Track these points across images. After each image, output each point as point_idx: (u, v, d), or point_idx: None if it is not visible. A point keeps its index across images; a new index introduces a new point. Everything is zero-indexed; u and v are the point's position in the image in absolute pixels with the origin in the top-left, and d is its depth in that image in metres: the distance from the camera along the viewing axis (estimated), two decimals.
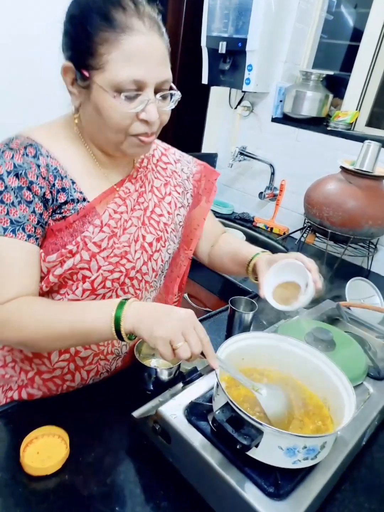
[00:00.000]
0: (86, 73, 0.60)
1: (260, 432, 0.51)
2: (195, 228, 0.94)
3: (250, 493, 0.52)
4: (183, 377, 0.73)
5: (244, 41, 1.66)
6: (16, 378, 0.77)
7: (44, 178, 0.65)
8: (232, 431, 0.51)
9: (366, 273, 1.54)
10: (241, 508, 0.53)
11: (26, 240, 0.64)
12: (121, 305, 0.60)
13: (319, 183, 1.47)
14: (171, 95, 0.66)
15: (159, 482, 0.63)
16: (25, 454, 0.62)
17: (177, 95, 0.67)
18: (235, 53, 1.72)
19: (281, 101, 1.81)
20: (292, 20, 1.70)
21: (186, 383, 0.72)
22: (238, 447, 0.50)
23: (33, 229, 0.64)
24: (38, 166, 0.64)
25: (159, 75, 0.61)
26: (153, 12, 0.61)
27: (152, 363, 0.84)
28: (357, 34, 1.80)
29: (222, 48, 1.71)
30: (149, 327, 0.58)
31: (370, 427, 0.70)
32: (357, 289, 1.26)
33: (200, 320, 1.10)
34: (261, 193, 1.83)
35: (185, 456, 0.61)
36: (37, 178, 0.64)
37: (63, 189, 0.67)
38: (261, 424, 0.51)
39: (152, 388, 0.78)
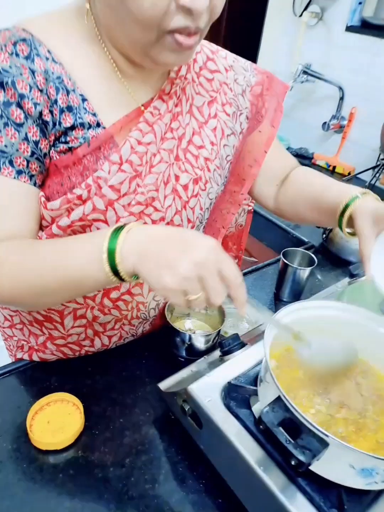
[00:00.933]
0: None
1: (324, 444, 0.37)
2: (251, 165, 0.68)
3: None
4: (221, 345, 0.60)
5: None
6: (26, 341, 0.66)
7: (41, 90, 0.47)
8: (286, 441, 0.37)
9: None
10: None
11: (15, 177, 0.48)
12: (115, 234, 0.43)
13: None
14: None
15: (187, 469, 0.53)
16: (34, 423, 0.53)
17: None
18: None
19: (360, 3, 1.44)
20: None
21: (225, 353, 0.59)
22: (293, 463, 0.36)
23: (25, 163, 0.48)
24: (33, 72, 0.46)
25: None
26: None
27: (187, 324, 0.71)
28: None
29: None
30: (154, 271, 0.41)
31: None
32: None
33: (250, 272, 0.95)
34: (325, 123, 1.53)
35: (219, 448, 0.49)
36: (30, 90, 0.46)
37: (69, 108, 0.49)
38: (327, 434, 0.36)
39: (185, 354, 0.66)
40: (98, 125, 0.51)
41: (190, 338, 0.64)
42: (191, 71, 0.59)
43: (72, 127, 0.50)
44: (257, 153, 0.67)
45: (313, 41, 1.58)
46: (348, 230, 0.60)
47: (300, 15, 1.58)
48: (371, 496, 0.41)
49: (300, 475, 0.42)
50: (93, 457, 0.52)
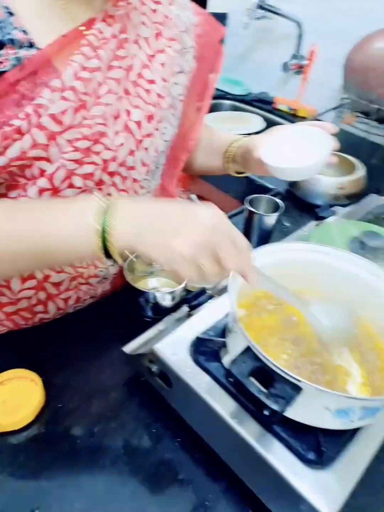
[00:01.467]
0: None
1: (297, 389, 0.35)
2: (198, 109, 0.69)
3: (280, 459, 0.38)
4: (188, 301, 0.56)
5: None
6: None
7: None
8: (258, 392, 0.34)
9: None
10: (268, 478, 0.39)
11: None
12: (105, 214, 0.39)
13: (365, 40, 1.11)
14: None
15: (161, 429, 0.50)
16: None
17: None
18: None
19: None
20: None
21: (193, 308, 0.56)
22: (266, 413, 0.34)
23: None
24: None
25: None
26: None
27: (150, 283, 0.67)
28: None
29: None
30: (160, 243, 0.37)
31: None
32: None
33: None
34: (285, 63, 1.45)
35: (191, 405, 0.46)
36: None
37: None
38: (299, 380, 0.34)
39: (151, 314, 0.62)
40: (31, 45, 0.45)
41: (155, 297, 0.60)
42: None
43: (1, 44, 0.42)
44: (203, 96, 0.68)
45: None
46: (234, 169, 0.72)
47: None
48: (347, 435, 0.40)
49: (275, 423, 0.40)
50: (58, 431, 0.49)
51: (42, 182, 0.49)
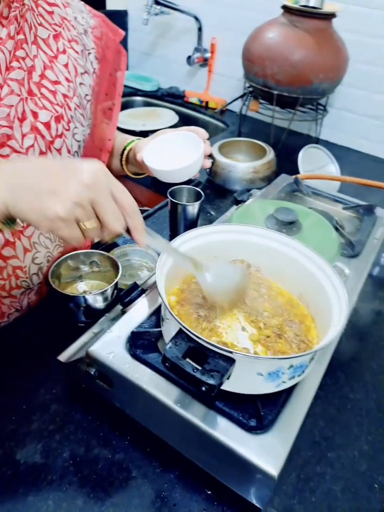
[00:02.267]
0: None
1: (231, 362, 0.36)
2: (110, 108, 0.71)
3: (225, 432, 0.40)
4: (121, 298, 0.56)
5: None
6: None
7: None
8: (193, 370, 0.35)
9: (315, 141, 1.37)
10: (217, 453, 0.40)
11: None
12: None
13: (258, 32, 1.17)
14: None
15: (109, 432, 0.49)
16: None
17: None
18: None
19: None
20: None
21: (125, 304, 0.55)
22: (203, 389, 0.35)
23: None
24: None
25: None
26: None
27: (80, 288, 0.65)
28: None
29: None
30: (36, 201, 0.35)
31: (350, 313, 0.59)
32: (309, 159, 1.10)
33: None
34: (189, 57, 1.48)
35: (135, 400, 0.46)
36: None
37: None
38: (231, 352, 0.35)
39: (84, 319, 0.60)
40: None
41: (85, 300, 0.58)
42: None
43: None
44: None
45: None
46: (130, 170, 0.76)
47: None
48: (283, 397, 0.43)
49: (216, 399, 0.41)
50: None
51: None
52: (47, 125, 0.54)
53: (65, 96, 0.57)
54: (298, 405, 0.43)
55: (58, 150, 0.57)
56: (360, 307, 0.73)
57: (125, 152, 0.73)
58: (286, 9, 1.12)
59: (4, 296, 0.57)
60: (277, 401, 0.42)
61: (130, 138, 0.75)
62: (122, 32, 0.72)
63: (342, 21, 1.14)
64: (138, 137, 0.75)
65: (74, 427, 0.49)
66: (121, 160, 0.74)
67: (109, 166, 0.77)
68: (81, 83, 0.61)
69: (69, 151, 0.59)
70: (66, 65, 0.58)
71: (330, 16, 1.11)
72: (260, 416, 0.40)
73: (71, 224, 0.36)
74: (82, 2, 0.66)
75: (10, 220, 0.38)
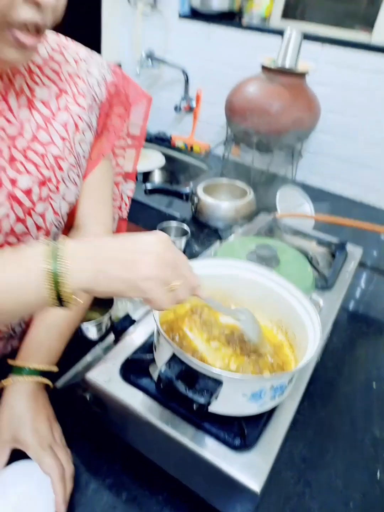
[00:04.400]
0: None
1: (218, 383, 0.40)
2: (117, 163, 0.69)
3: (212, 451, 0.43)
4: (114, 328, 0.59)
5: None
6: None
7: None
8: (186, 390, 0.39)
9: (291, 183, 1.48)
10: (204, 472, 0.44)
11: None
12: (53, 259, 0.37)
13: (239, 86, 1.30)
14: None
15: (99, 459, 0.52)
16: None
17: None
18: None
19: None
20: None
21: (118, 333, 0.59)
22: (195, 407, 0.39)
23: None
24: None
25: None
26: None
27: None
28: None
29: None
30: (128, 270, 0.37)
31: (325, 341, 0.65)
32: (286, 199, 1.19)
33: None
34: (176, 106, 1.61)
35: (127, 423, 0.49)
36: None
37: None
38: (219, 373, 0.40)
39: (78, 348, 0.63)
40: None
41: (81, 331, 0.62)
42: (35, 61, 0.53)
43: None
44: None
45: (152, 29, 1.63)
46: None
47: (135, 4, 1.60)
48: (264, 418, 0.47)
49: (205, 420, 0.45)
50: None
51: None
52: (27, 191, 0.52)
53: (57, 157, 0.55)
54: (279, 425, 0.47)
55: (42, 214, 0.55)
56: (335, 336, 0.78)
57: None
58: (265, 68, 1.26)
59: None
60: (259, 422, 0.46)
61: None
62: (148, 96, 0.70)
63: (314, 76, 1.28)
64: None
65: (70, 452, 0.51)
66: None
67: None
68: (81, 141, 0.58)
69: (56, 213, 0.57)
70: (65, 124, 0.55)
71: (303, 74, 1.25)
72: (244, 435, 0.44)
73: (159, 283, 0.37)
74: (100, 57, 0.62)
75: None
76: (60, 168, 0.55)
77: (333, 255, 0.86)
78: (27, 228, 0.54)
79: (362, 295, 0.96)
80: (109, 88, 0.62)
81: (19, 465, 0.47)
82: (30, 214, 0.53)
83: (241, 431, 0.45)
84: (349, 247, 0.88)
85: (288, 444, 0.56)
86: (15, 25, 0.40)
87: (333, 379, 0.71)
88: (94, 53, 0.62)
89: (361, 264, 1.04)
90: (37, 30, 0.42)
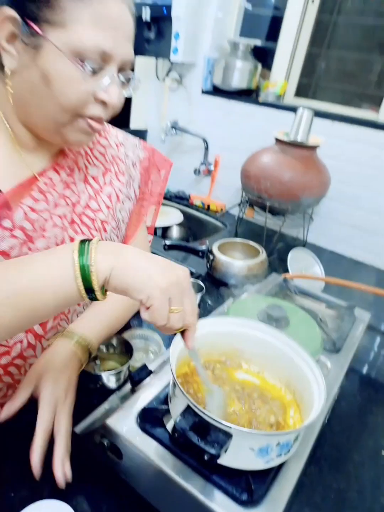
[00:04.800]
0: (36, 28, 0.46)
1: (228, 436, 0.44)
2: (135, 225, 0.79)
3: (221, 505, 0.45)
4: (131, 378, 0.64)
5: (168, 7, 1.54)
6: None
7: None
8: (198, 441, 0.43)
9: (302, 244, 1.55)
10: None
11: None
12: (82, 245, 0.42)
13: (254, 155, 1.43)
14: (132, 79, 0.56)
15: (112, 507, 0.53)
16: None
17: (136, 80, 0.56)
18: (160, 20, 1.60)
19: (210, 72, 1.73)
20: None
21: (135, 383, 0.63)
22: (206, 458, 0.42)
23: None
24: None
25: (127, 52, 0.51)
26: None
27: (96, 366, 0.72)
28: (279, 4, 1.77)
29: (146, 14, 1.56)
30: (143, 270, 0.41)
31: (332, 404, 0.67)
32: (297, 260, 1.26)
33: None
34: (196, 169, 1.75)
35: (140, 471, 0.52)
36: None
37: None
38: (230, 426, 0.44)
39: (97, 396, 0.67)
40: None
41: (101, 378, 0.66)
42: (84, 146, 0.65)
43: None
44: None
45: (177, 102, 1.82)
46: None
47: (163, 80, 1.81)
48: (271, 474, 0.49)
49: (215, 473, 0.48)
50: None
51: None
52: None
53: (103, 221, 0.66)
54: (285, 483, 0.49)
55: None
56: (344, 401, 0.80)
57: None
58: (278, 140, 1.39)
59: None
60: (266, 479, 0.48)
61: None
62: (171, 162, 0.82)
63: (324, 150, 1.40)
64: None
65: (82, 498, 0.53)
66: None
67: None
68: (121, 210, 0.70)
69: None
70: (109, 196, 0.67)
71: (314, 147, 1.37)
72: (251, 491, 0.46)
73: (164, 300, 0.41)
74: (137, 138, 0.76)
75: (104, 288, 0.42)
76: (105, 230, 0.67)
77: (342, 319, 0.89)
78: None
79: (372, 359, 0.98)
80: (143, 163, 0.75)
81: (43, 504, 0.50)
82: None
83: (249, 487, 0.47)
84: (358, 311, 0.92)
85: (295, 508, 0.57)
86: (85, 117, 0.53)
87: (341, 445, 0.71)
88: (129, 136, 0.75)
89: (370, 328, 1.07)
90: (100, 121, 0.54)
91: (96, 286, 0.42)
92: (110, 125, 0.73)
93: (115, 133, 0.72)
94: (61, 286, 0.42)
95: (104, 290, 0.43)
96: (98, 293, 0.42)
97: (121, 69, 0.53)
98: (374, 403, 0.83)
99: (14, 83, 0.51)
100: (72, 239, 0.62)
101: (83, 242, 0.43)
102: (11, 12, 0.46)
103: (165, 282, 0.42)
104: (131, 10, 0.52)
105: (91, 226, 0.65)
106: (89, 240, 0.43)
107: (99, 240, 0.44)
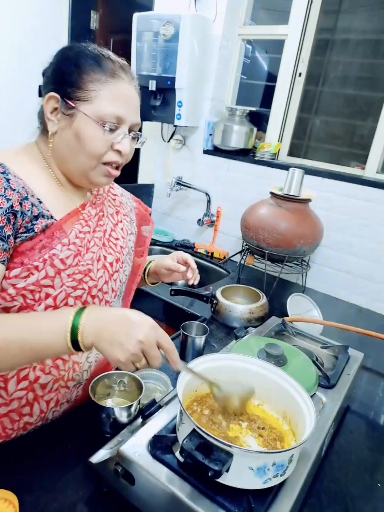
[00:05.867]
0: (71, 103, 0.68)
1: (229, 455, 0.50)
2: (142, 253, 1.02)
3: None
4: (142, 412, 0.70)
5: (172, 79, 1.76)
6: None
7: (13, 189, 0.64)
8: (203, 458, 0.49)
9: (302, 289, 1.64)
10: None
11: None
12: (78, 314, 0.59)
13: (252, 208, 1.56)
14: (139, 136, 0.77)
15: None
16: None
17: (144, 138, 0.77)
18: (165, 90, 1.81)
19: (210, 134, 1.92)
20: (214, 62, 1.84)
21: (146, 417, 0.69)
22: (210, 474, 0.48)
23: None
24: (7, 180, 0.64)
25: (135, 118, 0.73)
26: (132, 71, 0.74)
27: (108, 403, 0.79)
28: (270, 75, 2.01)
29: (152, 86, 1.79)
30: (109, 349, 0.58)
31: (327, 436, 0.72)
32: (296, 304, 1.33)
33: None
34: (199, 220, 1.89)
35: (151, 495, 0.57)
36: (4, 191, 0.63)
37: (33, 205, 0.68)
38: (230, 446, 0.50)
39: (109, 429, 0.73)
40: (51, 217, 0.71)
41: (113, 412, 0.72)
42: (104, 192, 0.88)
43: (37, 216, 0.68)
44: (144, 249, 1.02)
45: (181, 160, 2.01)
46: (150, 280, 1.05)
47: (168, 141, 2.01)
48: (271, 495, 0.54)
49: (219, 493, 0.53)
50: None
51: (49, 301, 0.70)
52: (111, 264, 0.82)
53: (122, 247, 0.87)
54: (283, 504, 0.54)
55: (115, 280, 0.83)
56: (342, 437, 0.84)
57: (147, 269, 1.04)
58: (273, 194, 1.52)
59: (62, 386, 0.77)
60: (265, 499, 0.54)
61: (149, 259, 1.08)
62: (150, 209, 1.06)
63: (316, 202, 1.53)
64: (153, 258, 1.07)
65: None
66: (144, 275, 1.03)
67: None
68: (129, 240, 0.91)
69: (120, 281, 0.86)
70: (122, 229, 0.89)
71: (306, 200, 1.50)
72: (251, 509, 0.52)
73: (128, 363, 0.58)
74: (129, 193, 1.01)
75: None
76: (123, 253, 0.87)
77: (337, 358, 0.96)
78: (108, 287, 0.81)
79: (366, 398, 1.02)
80: (136, 210, 1.00)
81: None
82: (111, 279, 0.82)
83: (249, 506, 0.52)
84: (351, 351, 0.98)
85: None
86: (105, 163, 0.72)
87: (339, 479, 0.75)
88: (124, 190, 0.99)
89: (364, 368, 1.12)
90: (117, 167, 0.74)
91: (84, 350, 0.60)
92: (115, 183, 0.95)
93: (117, 186, 0.96)
94: (57, 348, 0.59)
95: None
96: (85, 349, 0.60)
97: (131, 129, 0.73)
98: (370, 439, 0.87)
99: (55, 141, 0.72)
100: (105, 257, 0.81)
101: (77, 313, 0.60)
102: (54, 94, 0.68)
103: (124, 356, 0.57)
104: (137, 90, 0.74)
105: (115, 248, 0.84)
106: (84, 308, 0.61)
107: (91, 310, 0.60)
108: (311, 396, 0.77)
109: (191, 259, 1.00)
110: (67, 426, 0.75)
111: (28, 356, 0.59)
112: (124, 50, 1.84)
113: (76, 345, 0.58)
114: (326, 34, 1.72)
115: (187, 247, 1.94)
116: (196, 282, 0.98)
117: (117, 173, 0.75)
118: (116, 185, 0.96)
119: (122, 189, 0.98)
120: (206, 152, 1.94)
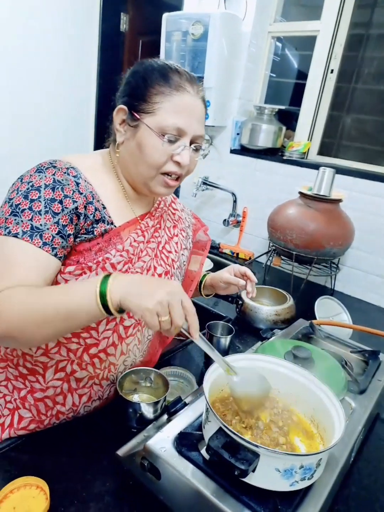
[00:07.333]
0: (137, 115, 0.72)
1: (256, 455, 0.50)
2: (195, 270, 1.04)
3: None
4: (168, 409, 0.71)
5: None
6: (10, 397, 0.77)
7: (81, 193, 0.69)
8: (229, 457, 0.49)
9: (330, 292, 1.60)
10: None
11: (40, 247, 0.65)
12: (105, 279, 0.60)
13: (280, 208, 1.54)
14: (202, 149, 0.78)
15: None
16: None
17: (206, 151, 0.78)
18: None
19: (238, 134, 1.91)
20: (243, 60, 1.83)
21: (171, 414, 0.70)
22: (236, 473, 0.48)
23: (50, 238, 0.66)
24: (77, 183, 0.69)
25: (197, 130, 0.74)
26: (200, 83, 0.76)
27: (134, 398, 0.80)
28: (300, 73, 1.97)
29: None
30: (137, 297, 0.58)
31: (356, 442, 0.70)
32: (324, 307, 1.30)
33: (179, 348, 1.09)
34: (225, 220, 1.88)
35: (177, 491, 0.57)
36: (73, 193, 0.68)
37: (97, 209, 0.72)
38: (257, 446, 0.50)
39: (136, 424, 0.74)
40: (112, 223, 0.75)
41: (140, 407, 0.73)
42: (165, 205, 0.91)
43: (98, 221, 0.73)
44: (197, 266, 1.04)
45: (208, 160, 2.00)
46: (205, 292, 1.07)
47: None
48: (297, 498, 0.54)
49: (244, 493, 0.53)
50: None
51: None
52: (159, 275, 0.84)
53: (173, 260, 0.88)
54: (310, 508, 0.53)
55: None
56: (372, 445, 0.82)
57: (203, 282, 1.06)
58: (302, 194, 1.50)
59: (96, 383, 0.79)
60: (292, 502, 0.53)
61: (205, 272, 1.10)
62: (207, 227, 1.10)
63: (348, 203, 1.49)
64: (207, 271, 1.09)
65: None
66: (200, 287, 1.06)
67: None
68: (182, 255, 0.93)
69: None
70: (177, 243, 0.91)
71: (337, 201, 1.46)
72: (277, 510, 0.51)
73: (153, 314, 0.57)
74: (189, 209, 1.05)
75: (120, 311, 0.60)
76: (173, 267, 0.88)
77: (367, 363, 0.93)
78: None
79: None
80: (194, 226, 1.03)
81: None
82: None
83: (275, 508, 0.51)
84: (383, 357, 0.95)
85: None
86: (164, 173, 0.74)
87: (369, 486, 0.73)
88: (185, 206, 1.03)
89: None
90: (177, 178, 0.76)
91: (115, 313, 0.60)
92: (177, 198, 1.00)
93: (179, 201, 1.01)
94: (90, 311, 0.60)
95: (122, 310, 0.61)
96: (116, 315, 0.60)
97: (194, 141, 0.74)
98: None
99: (121, 151, 0.77)
100: (155, 268, 0.83)
101: (106, 276, 0.60)
102: (123, 106, 0.73)
103: (152, 304, 0.57)
104: (202, 99, 0.75)
105: (166, 261, 0.86)
106: (109, 275, 0.61)
107: (117, 274, 0.62)
108: (340, 401, 0.76)
109: (249, 272, 0.98)
110: (96, 421, 0.77)
111: (62, 318, 0.60)
112: (153, 51, 1.86)
113: (106, 307, 0.59)
114: (360, 29, 1.68)
115: (212, 247, 1.94)
116: (254, 295, 0.97)
117: (176, 183, 0.76)
118: (178, 200, 0.99)
119: (183, 205, 1.01)
120: (233, 151, 1.93)
